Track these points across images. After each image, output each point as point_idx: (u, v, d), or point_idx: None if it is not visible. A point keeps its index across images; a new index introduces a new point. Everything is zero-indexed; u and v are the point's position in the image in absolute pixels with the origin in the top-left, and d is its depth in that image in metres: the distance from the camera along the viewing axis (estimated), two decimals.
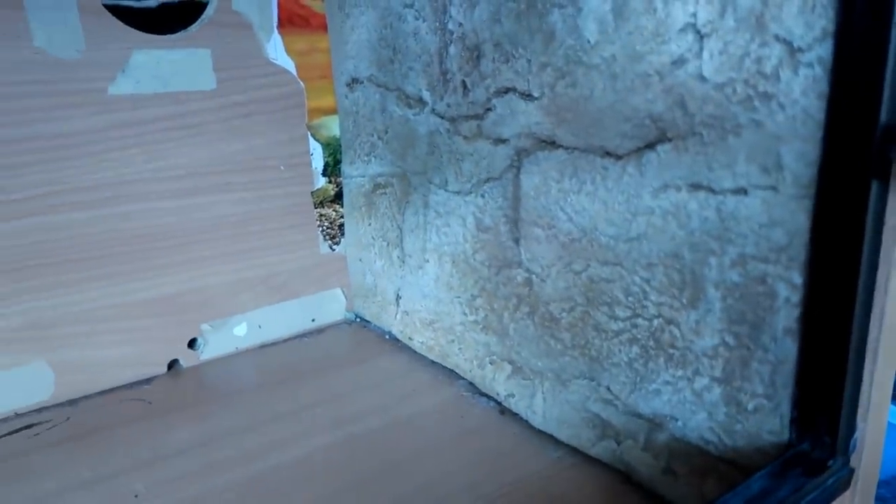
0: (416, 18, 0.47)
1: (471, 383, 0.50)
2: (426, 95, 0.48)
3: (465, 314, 0.49)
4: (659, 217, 0.34)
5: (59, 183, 0.46)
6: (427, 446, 0.43)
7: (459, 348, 0.50)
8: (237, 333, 0.56)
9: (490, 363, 0.47)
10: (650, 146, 0.33)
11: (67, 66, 0.45)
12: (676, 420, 0.35)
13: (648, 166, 0.33)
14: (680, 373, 0.34)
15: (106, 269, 0.49)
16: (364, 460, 0.42)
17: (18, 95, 0.44)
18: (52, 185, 0.46)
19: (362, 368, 0.53)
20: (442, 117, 0.47)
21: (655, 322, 0.35)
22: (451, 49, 0.45)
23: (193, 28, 0.50)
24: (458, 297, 0.49)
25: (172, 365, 0.53)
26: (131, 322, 0.51)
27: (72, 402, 0.49)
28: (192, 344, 0.54)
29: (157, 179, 0.50)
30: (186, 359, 0.54)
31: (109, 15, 0.47)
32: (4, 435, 0.46)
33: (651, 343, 0.35)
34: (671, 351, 0.34)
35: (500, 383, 0.47)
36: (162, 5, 0.71)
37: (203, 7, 0.67)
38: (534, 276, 0.42)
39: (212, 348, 0.55)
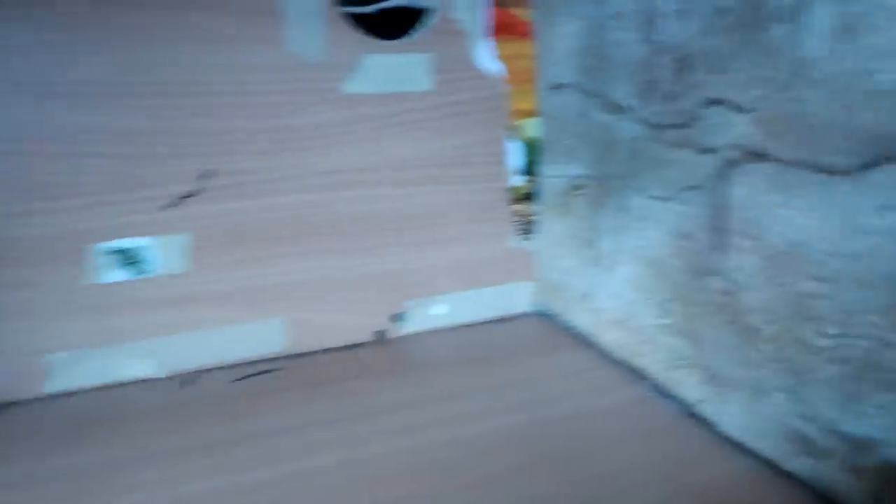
0: (622, 29, 0.49)
1: (657, 384, 0.51)
2: (630, 103, 0.49)
3: (656, 317, 0.50)
4: (881, 236, 0.33)
5: (302, 167, 0.54)
6: (608, 439, 0.45)
7: (649, 349, 0.51)
8: (434, 313, 0.61)
9: (680, 367, 0.48)
10: (875, 164, 0.32)
11: (312, 68, 0.53)
12: (890, 446, 0.34)
13: (872, 184, 0.33)
14: None
15: (334, 244, 0.56)
16: (543, 444, 0.44)
17: (274, 92, 0.52)
18: (297, 169, 0.54)
19: (548, 359, 0.56)
20: (645, 124, 0.49)
21: (869, 343, 0.34)
22: (658, 59, 0.46)
23: (415, 35, 0.56)
24: (650, 299, 0.50)
25: (378, 334, 0.60)
26: (350, 293, 0.58)
27: (300, 355, 0.58)
28: (394, 317, 0.60)
29: (379, 168, 0.56)
30: (390, 330, 0.60)
31: (348, 24, 0.53)
32: (250, 375, 0.55)
33: (863, 364, 0.35)
34: (887, 374, 0.34)
35: (689, 387, 0.47)
36: (382, 10, 0.78)
37: (416, 12, 0.74)
38: (735, 286, 0.42)
39: (412, 324, 0.61)
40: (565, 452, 0.44)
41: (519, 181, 0.61)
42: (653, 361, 0.51)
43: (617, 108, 0.51)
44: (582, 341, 0.59)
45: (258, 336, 0.56)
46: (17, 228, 0.49)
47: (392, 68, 0.54)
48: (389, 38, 0.55)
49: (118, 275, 0.51)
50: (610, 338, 0.56)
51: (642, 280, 0.51)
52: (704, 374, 0.46)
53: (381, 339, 0.60)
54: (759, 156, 0.39)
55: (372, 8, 0.77)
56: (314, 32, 0.52)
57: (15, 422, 0.50)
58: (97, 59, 0.48)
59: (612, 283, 0.54)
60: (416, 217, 0.58)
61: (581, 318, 0.59)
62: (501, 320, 0.63)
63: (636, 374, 0.53)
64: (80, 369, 0.52)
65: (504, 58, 0.58)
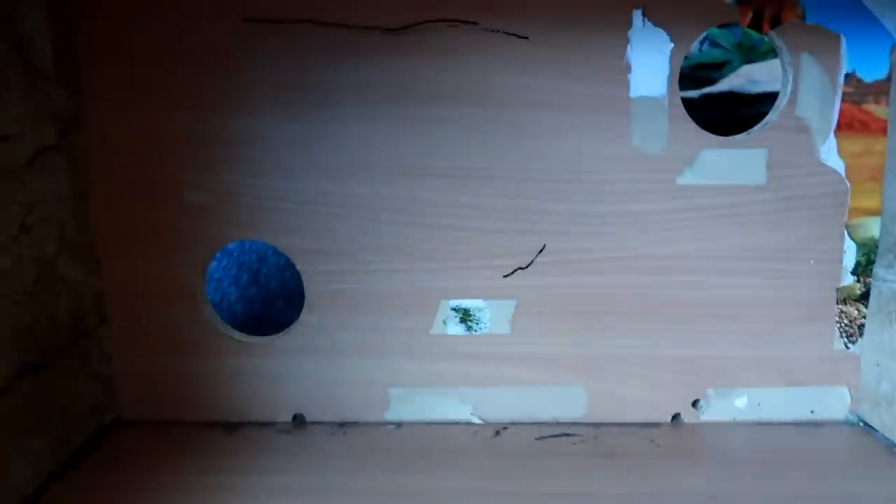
0: None
1: None
2: None
3: None
4: None
5: (627, 250, 0.58)
6: None
7: None
8: (737, 405, 0.60)
9: None
10: None
11: (651, 161, 0.56)
12: None
13: None
14: None
15: (644, 325, 0.59)
16: None
17: (614, 181, 0.56)
18: (622, 251, 0.58)
19: (866, 476, 0.53)
20: None
21: None
22: None
23: (755, 130, 0.56)
24: None
25: (676, 417, 0.61)
26: (652, 373, 0.60)
27: (597, 425, 0.60)
28: (694, 403, 0.60)
29: (702, 258, 0.57)
30: (688, 415, 0.60)
31: (690, 120, 0.56)
32: (548, 436, 0.59)
33: None
34: None
35: None
36: (704, 95, 0.80)
37: (735, 97, 0.74)
38: None
39: (711, 412, 0.60)
40: None
41: (850, 282, 0.58)
42: None
43: None
44: None
45: (561, 400, 0.60)
46: (383, 283, 0.58)
47: (728, 162, 0.56)
48: (728, 134, 0.56)
49: (456, 329, 0.59)
50: None
51: None
52: None
53: (678, 422, 0.60)
54: None
55: (695, 93, 0.79)
56: (658, 129, 0.55)
57: (358, 439, 0.59)
58: (467, 147, 0.56)
59: None
60: (734, 307, 0.58)
61: None
62: (812, 424, 0.60)
63: None
64: (412, 404, 0.60)
65: (850, 154, 0.56)
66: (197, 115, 0.56)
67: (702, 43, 1.03)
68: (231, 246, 0.83)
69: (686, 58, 1.02)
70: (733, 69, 0.86)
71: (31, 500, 0.51)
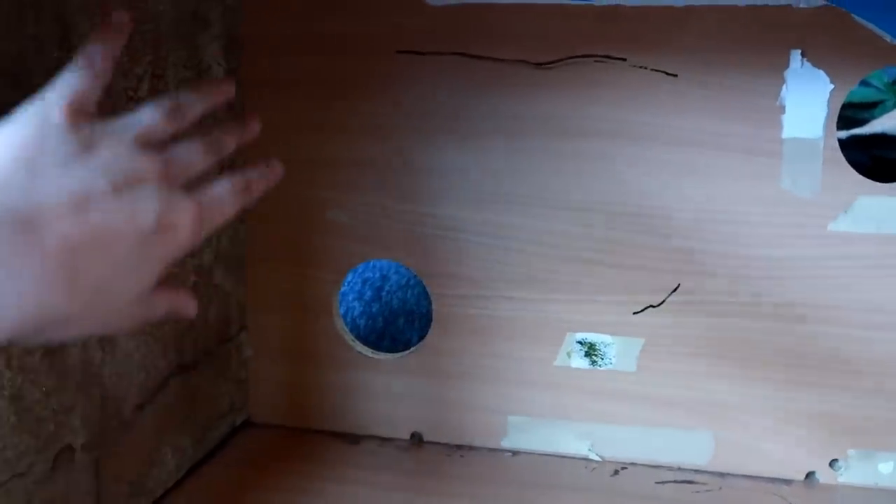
0: None
1: None
2: None
3: None
4: None
5: (766, 296, 0.55)
6: None
7: None
8: (882, 470, 0.56)
9: None
10: None
11: (802, 203, 0.54)
12: None
13: None
14: None
15: (781, 375, 0.56)
16: None
17: (760, 223, 0.54)
18: (760, 297, 0.55)
19: None
20: None
21: None
22: None
23: None
24: None
25: (810, 475, 0.57)
26: (787, 426, 0.56)
27: (722, 475, 0.58)
28: (832, 463, 0.57)
29: (850, 308, 0.54)
30: (824, 475, 0.57)
31: (848, 166, 0.53)
32: (669, 482, 0.57)
33: None
34: None
35: None
36: (852, 136, 0.76)
37: (885, 139, 0.70)
38: None
39: (851, 474, 0.56)
40: None
41: None
42: None
43: None
44: None
45: (686, 444, 0.58)
46: (511, 311, 0.59)
47: (886, 210, 0.52)
48: (877, 178, 0.53)
49: (580, 362, 0.58)
50: None
51: None
52: None
53: (811, 481, 0.57)
54: None
55: (844, 133, 0.75)
56: (811, 172, 0.53)
57: (474, 463, 0.59)
58: (606, 182, 0.56)
59: None
60: (881, 364, 0.54)
61: None
62: None
63: None
64: (531, 434, 0.60)
65: None
66: (345, 140, 0.59)
67: None
68: None
69: None
70: (886, 110, 0.82)
71: (173, 490, 0.55)
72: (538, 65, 0.55)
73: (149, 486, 0.52)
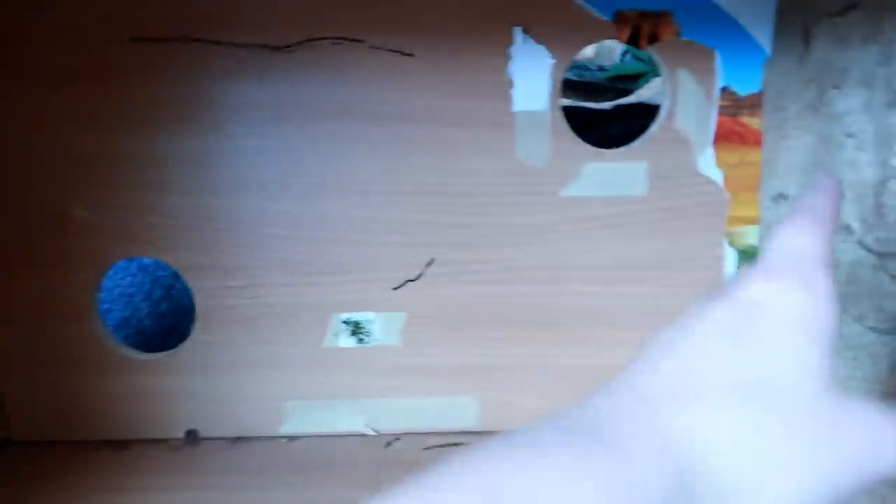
0: (856, 149, 0.47)
1: None
2: (854, 226, 0.47)
3: None
4: None
5: (516, 261, 0.58)
6: None
7: None
8: None
9: None
10: None
11: (535, 173, 0.57)
12: None
13: None
14: None
15: (537, 334, 0.60)
16: None
17: (500, 193, 0.57)
18: (510, 262, 0.58)
19: None
20: (868, 251, 0.46)
21: None
22: (892, 185, 0.43)
23: (636, 143, 0.58)
24: None
25: None
26: (545, 381, 0.60)
27: (492, 433, 0.60)
28: None
29: (590, 267, 0.59)
30: None
31: (574, 136, 0.57)
32: (436, 446, 0.59)
33: None
34: None
35: None
36: (617, 107, 0.81)
37: (645, 109, 0.75)
38: None
39: None
40: None
41: None
42: None
43: (840, 229, 0.48)
44: None
45: (453, 409, 0.61)
46: (276, 296, 0.58)
47: (610, 175, 0.57)
48: (610, 147, 0.58)
49: (348, 341, 0.59)
50: None
51: None
52: None
53: None
54: None
55: (609, 104, 0.81)
56: (540, 142, 0.56)
57: (251, 454, 0.59)
58: (355, 162, 0.57)
59: None
60: (622, 315, 0.59)
61: None
62: None
63: None
64: (307, 417, 0.60)
65: (728, 165, 0.57)
66: (88, 133, 0.56)
67: (624, 55, 1.05)
68: (146, 261, 0.83)
69: (605, 69, 1.04)
70: (648, 81, 0.88)
71: None
72: (275, 48, 0.55)
73: None
